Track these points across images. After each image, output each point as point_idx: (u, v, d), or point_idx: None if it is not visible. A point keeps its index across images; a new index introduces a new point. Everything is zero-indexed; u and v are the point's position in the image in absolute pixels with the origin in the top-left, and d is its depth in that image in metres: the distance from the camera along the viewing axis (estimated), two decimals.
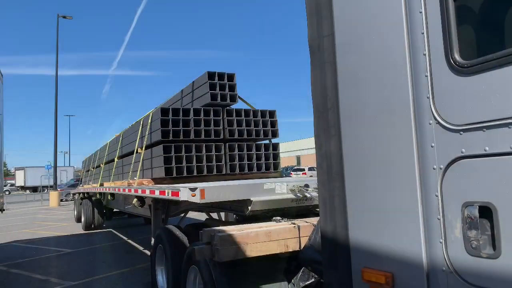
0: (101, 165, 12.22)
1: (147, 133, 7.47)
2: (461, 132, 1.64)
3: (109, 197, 10.39)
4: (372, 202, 2.05)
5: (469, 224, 1.60)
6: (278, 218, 4.52)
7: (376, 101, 2.03)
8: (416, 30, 1.82)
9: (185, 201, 4.95)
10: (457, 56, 1.65)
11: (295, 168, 43.59)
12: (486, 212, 1.55)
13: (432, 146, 1.76)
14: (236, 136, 7.41)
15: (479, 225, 1.57)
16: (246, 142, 7.59)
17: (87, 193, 13.96)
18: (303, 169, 41.73)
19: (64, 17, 29.65)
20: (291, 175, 34.68)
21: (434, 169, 1.75)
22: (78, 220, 15.49)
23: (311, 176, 37.95)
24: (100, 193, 12.13)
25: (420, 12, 1.80)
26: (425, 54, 1.79)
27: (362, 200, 2.11)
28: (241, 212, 5.26)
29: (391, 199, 1.95)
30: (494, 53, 1.51)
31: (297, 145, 70.77)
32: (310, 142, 68.70)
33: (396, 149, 1.92)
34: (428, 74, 1.77)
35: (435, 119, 1.74)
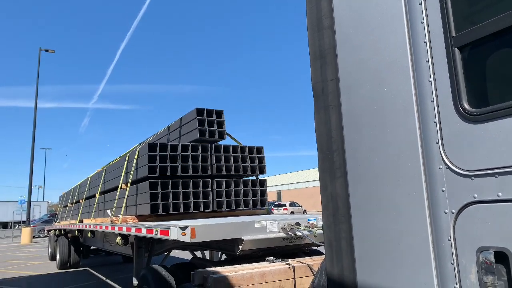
0: (81, 200, 11.86)
1: (132, 168, 7.34)
2: (473, 178, 1.67)
3: (88, 234, 10.00)
4: (381, 246, 2.04)
5: (484, 270, 1.61)
6: (272, 258, 4.44)
7: (382, 144, 2.06)
8: (423, 78, 1.89)
9: (172, 240, 4.82)
10: (465, 104, 1.72)
11: (276, 203, 43.36)
12: (502, 257, 1.57)
13: (443, 191, 1.79)
14: (223, 172, 7.37)
15: (495, 270, 1.58)
16: (233, 178, 7.56)
17: (64, 229, 13.42)
18: (284, 205, 41.55)
19: (47, 50, 29.59)
20: (272, 210, 34.41)
21: (445, 213, 1.77)
22: (53, 258, 14.80)
23: (292, 212, 37.78)
24: (78, 230, 11.68)
25: (427, 61, 1.88)
26: (432, 101, 1.85)
27: (370, 243, 2.10)
28: (231, 251, 5.14)
29: (401, 243, 1.95)
30: (504, 103, 1.58)
31: (277, 180, 70.78)
32: (291, 177, 69.08)
33: (406, 192, 1.94)
34: (437, 120, 1.82)
35: (445, 164, 1.78)
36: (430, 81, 1.86)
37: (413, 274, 1.88)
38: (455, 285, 1.72)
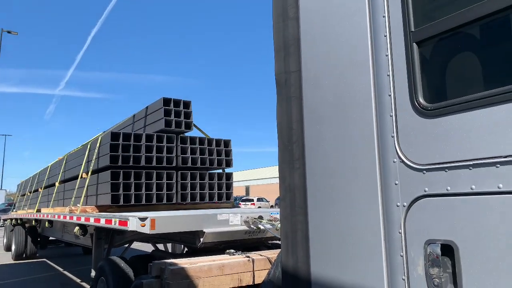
0: (40, 189, 11.40)
1: (94, 157, 7.12)
2: (424, 172, 1.70)
3: (46, 224, 9.64)
4: (335, 238, 2.05)
5: (431, 262, 1.64)
6: (232, 251, 4.42)
7: (341, 137, 2.07)
8: (382, 72, 1.90)
9: (131, 231, 4.70)
10: (421, 99, 1.74)
11: (244, 198, 43.41)
12: (448, 250, 1.60)
13: (396, 184, 1.80)
14: (189, 164, 7.26)
15: (441, 263, 1.61)
16: (199, 171, 7.46)
17: (20, 219, 12.90)
18: (252, 200, 41.66)
19: (9, 32, 28.20)
20: (239, 205, 34.45)
21: (397, 206, 1.79)
22: (8, 248, 14.18)
23: (259, 207, 37.98)
24: (36, 220, 11.24)
25: (386, 55, 1.89)
26: (390, 95, 1.86)
27: (324, 235, 2.10)
28: (192, 243, 5.08)
29: (354, 235, 1.96)
30: (456, 98, 1.61)
31: (246, 175, 70.90)
32: (259, 172, 69.39)
33: (360, 185, 1.95)
34: (393, 114, 1.84)
35: (399, 157, 1.79)
36: (388, 75, 1.87)
37: (364, 266, 1.90)
38: (403, 277, 1.74)
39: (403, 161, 1.78)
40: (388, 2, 1.90)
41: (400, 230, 1.77)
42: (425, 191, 1.69)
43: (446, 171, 1.62)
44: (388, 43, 1.89)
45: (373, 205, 1.88)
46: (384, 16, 1.93)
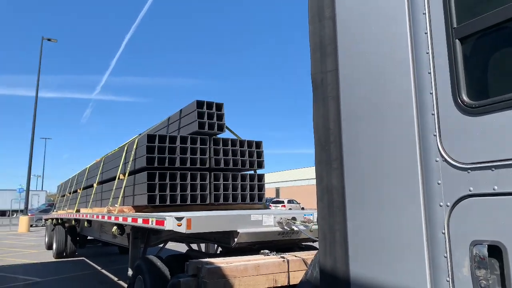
0: (79, 190, 11.85)
1: (131, 159, 7.33)
2: (469, 171, 1.66)
3: (85, 224, 10.01)
4: (375, 238, 2.03)
5: (478, 263, 1.60)
6: (267, 251, 4.44)
7: (380, 136, 2.05)
8: (422, 70, 1.88)
9: (168, 230, 4.81)
10: (464, 96, 1.70)
11: (275, 200, 43.39)
12: (496, 251, 1.55)
13: (438, 184, 1.77)
14: (221, 165, 7.35)
15: (488, 264, 1.56)
16: (231, 172, 7.54)
17: (61, 219, 13.44)
18: (283, 202, 41.57)
19: (49, 39, 29.52)
20: (270, 207, 34.45)
21: (440, 206, 1.76)
22: (49, 247, 14.83)
23: (290, 208, 37.83)
24: (75, 220, 11.69)
25: (427, 53, 1.86)
26: (431, 93, 1.83)
27: (364, 235, 2.09)
28: (226, 243, 5.14)
29: (395, 235, 1.94)
30: (503, 95, 1.56)
31: (276, 177, 70.81)
32: (289, 174, 69.08)
33: (400, 185, 1.93)
34: (435, 113, 1.81)
35: (442, 156, 1.76)
36: (429, 73, 1.84)
37: (406, 266, 1.87)
38: (447, 279, 1.71)
39: (446, 160, 1.75)
40: None
41: (444, 231, 1.74)
42: (470, 190, 1.65)
43: (492, 170, 1.58)
44: (428, 41, 1.86)
45: (414, 205, 1.86)
46: (424, 13, 1.90)
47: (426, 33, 1.88)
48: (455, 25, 1.76)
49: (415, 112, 1.89)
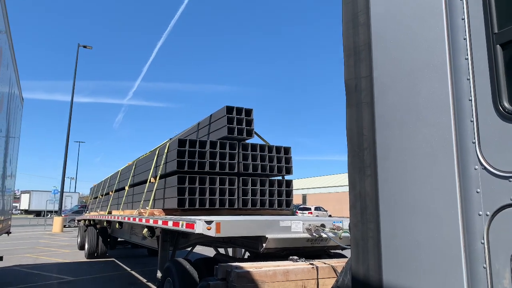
0: (111, 192, 12.18)
1: (162, 163, 7.48)
2: (510, 179, 1.61)
3: (116, 226, 10.27)
4: (410, 247, 1.99)
5: None
6: (295, 257, 4.42)
7: (415, 143, 2.02)
8: (461, 76, 1.84)
9: (197, 234, 4.87)
10: (505, 103, 1.66)
11: (301, 206, 43.08)
12: None
13: (477, 192, 1.73)
14: (250, 170, 7.39)
15: None
16: (259, 177, 7.57)
17: (93, 220, 13.85)
18: (309, 208, 41.22)
19: (85, 46, 30.62)
20: (296, 213, 34.22)
21: (480, 215, 1.71)
22: (81, 247, 15.28)
23: (317, 215, 37.44)
24: (107, 221, 12.01)
25: (466, 59, 1.82)
26: (470, 100, 1.79)
27: (398, 243, 2.06)
28: (254, 248, 5.15)
29: (431, 244, 1.90)
30: None
31: (302, 184, 70.32)
32: (316, 181, 68.43)
33: (437, 192, 1.89)
34: (474, 119, 1.77)
35: (481, 164, 1.72)
36: (468, 79, 1.81)
37: (443, 276, 1.83)
38: None
39: (485, 168, 1.70)
40: (468, 3, 1.84)
41: (483, 241, 1.69)
42: (511, 199, 1.60)
43: None
44: (468, 46, 1.83)
45: (452, 214, 1.82)
46: (463, 19, 1.87)
47: (465, 38, 1.85)
48: (496, 31, 1.73)
49: (453, 119, 1.85)
